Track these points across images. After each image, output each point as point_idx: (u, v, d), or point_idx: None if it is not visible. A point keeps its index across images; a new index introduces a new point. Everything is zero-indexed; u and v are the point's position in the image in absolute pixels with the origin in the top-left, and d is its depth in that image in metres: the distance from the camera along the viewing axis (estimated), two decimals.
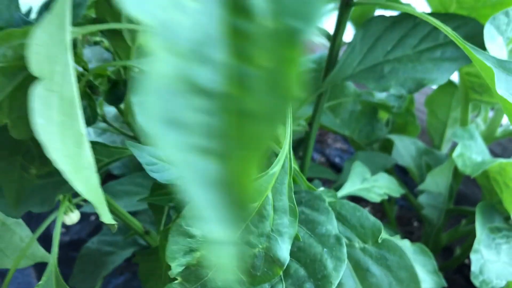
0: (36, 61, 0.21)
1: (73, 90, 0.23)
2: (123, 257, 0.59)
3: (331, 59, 0.51)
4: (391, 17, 0.50)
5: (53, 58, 0.22)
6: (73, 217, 0.38)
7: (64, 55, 0.23)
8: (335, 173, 0.80)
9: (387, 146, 0.74)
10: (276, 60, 0.14)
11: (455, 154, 0.54)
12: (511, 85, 0.39)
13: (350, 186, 0.55)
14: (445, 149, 0.77)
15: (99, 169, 0.36)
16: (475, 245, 0.53)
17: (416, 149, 0.71)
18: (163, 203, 0.36)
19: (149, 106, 0.12)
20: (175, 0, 0.13)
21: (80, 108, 0.23)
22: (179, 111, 0.13)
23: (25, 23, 0.32)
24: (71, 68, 0.23)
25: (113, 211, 0.45)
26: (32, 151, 0.31)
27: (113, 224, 0.28)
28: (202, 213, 0.12)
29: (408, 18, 0.50)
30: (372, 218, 0.37)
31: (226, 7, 0.14)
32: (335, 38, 0.49)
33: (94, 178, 0.23)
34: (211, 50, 0.14)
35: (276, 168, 0.29)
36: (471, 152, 0.56)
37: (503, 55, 0.46)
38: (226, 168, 0.12)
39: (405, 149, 0.70)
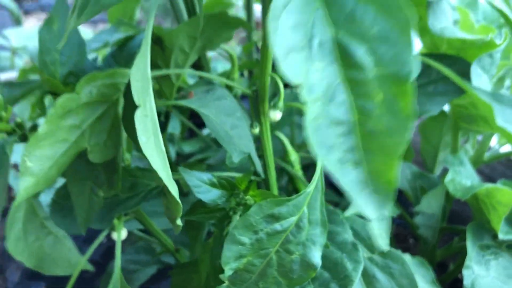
0: (135, 93, 0.28)
1: (156, 115, 0.29)
2: (148, 274, 0.64)
3: None
4: None
5: (143, 90, 0.28)
6: (122, 233, 0.43)
7: (148, 87, 0.29)
8: (334, 193, 0.86)
9: None
10: (388, 93, 0.20)
11: (447, 179, 0.61)
12: (507, 114, 0.46)
13: (354, 208, 0.61)
14: (437, 170, 0.84)
15: (149, 193, 0.42)
16: (467, 261, 0.57)
17: (411, 173, 0.77)
18: (204, 220, 0.41)
19: (310, 138, 0.19)
20: (308, 66, 0.20)
21: (159, 130, 0.30)
22: (328, 138, 0.19)
23: (94, 67, 0.38)
24: (152, 98, 0.29)
25: (149, 229, 0.50)
26: (101, 177, 0.37)
27: (179, 226, 0.34)
28: (355, 202, 0.18)
29: None
30: None
31: (340, 63, 0.22)
32: None
33: (176, 186, 0.29)
34: (336, 93, 0.21)
35: (311, 187, 0.35)
36: (461, 177, 0.62)
37: (488, 88, 0.53)
38: (364, 170, 0.19)
39: (401, 173, 0.77)
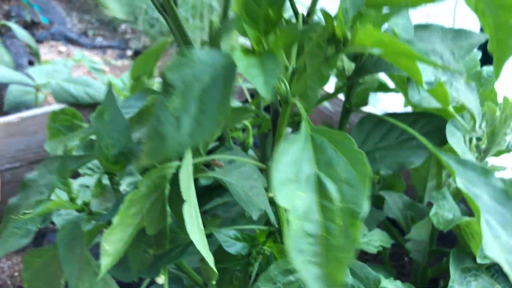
0: (183, 190, 0.38)
1: (196, 203, 0.40)
2: None
3: None
4: (378, 116, 0.67)
5: (188, 187, 0.39)
6: (163, 277, 0.54)
7: (191, 185, 0.40)
8: None
9: (379, 200, 0.91)
10: (345, 222, 0.31)
11: (431, 213, 0.71)
12: (469, 176, 0.56)
13: None
14: (427, 198, 0.94)
15: (188, 245, 0.53)
16: (450, 283, 0.67)
17: (403, 203, 0.88)
18: (230, 267, 0.52)
19: (288, 244, 0.29)
20: (295, 193, 0.31)
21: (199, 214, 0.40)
22: (301, 245, 0.29)
23: (139, 148, 0.48)
24: (194, 191, 0.40)
25: (180, 267, 0.61)
26: (151, 240, 0.47)
27: (213, 285, 0.44)
28: None
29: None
30: (374, 273, 0.53)
31: (317, 194, 0.32)
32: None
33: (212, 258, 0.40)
34: (311, 215, 0.31)
35: None
36: (443, 210, 0.72)
37: (461, 144, 0.63)
38: (322, 271, 0.29)
39: (394, 203, 0.87)
